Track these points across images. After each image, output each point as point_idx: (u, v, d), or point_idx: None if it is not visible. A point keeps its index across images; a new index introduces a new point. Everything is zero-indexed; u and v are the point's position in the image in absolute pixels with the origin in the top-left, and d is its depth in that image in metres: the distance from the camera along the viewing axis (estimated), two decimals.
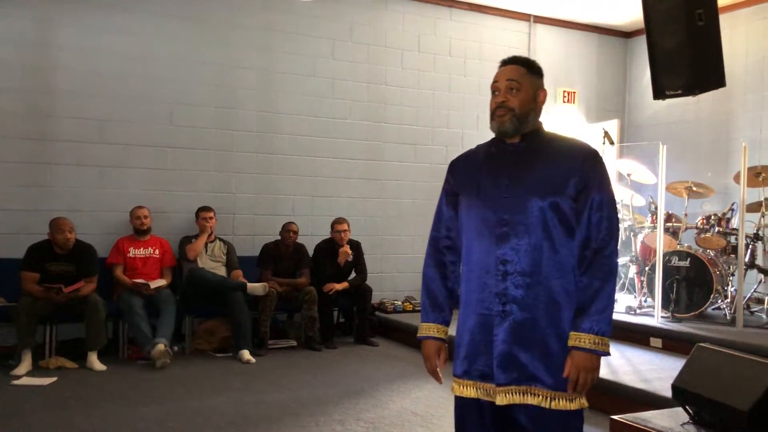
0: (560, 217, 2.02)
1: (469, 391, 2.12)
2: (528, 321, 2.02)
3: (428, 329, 2.23)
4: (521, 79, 2.10)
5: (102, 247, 5.81)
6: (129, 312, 5.42)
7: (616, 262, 2.06)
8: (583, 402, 2.05)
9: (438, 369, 2.24)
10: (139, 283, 5.61)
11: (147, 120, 6.26)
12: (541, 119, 2.18)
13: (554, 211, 2.01)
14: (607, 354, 1.99)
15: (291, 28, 6.81)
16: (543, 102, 2.15)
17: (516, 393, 2.04)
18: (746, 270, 5.62)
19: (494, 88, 2.15)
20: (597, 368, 2.00)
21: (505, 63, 2.16)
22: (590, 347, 1.96)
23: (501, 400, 2.04)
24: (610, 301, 2.00)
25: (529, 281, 2.03)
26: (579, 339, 1.97)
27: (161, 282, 5.75)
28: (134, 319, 5.38)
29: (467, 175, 2.24)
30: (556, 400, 2.01)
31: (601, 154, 2.11)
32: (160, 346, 5.22)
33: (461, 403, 2.17)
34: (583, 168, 2.03)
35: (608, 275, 1.99)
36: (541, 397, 2.03)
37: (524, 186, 2.05)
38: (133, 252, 5.82)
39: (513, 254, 2.04)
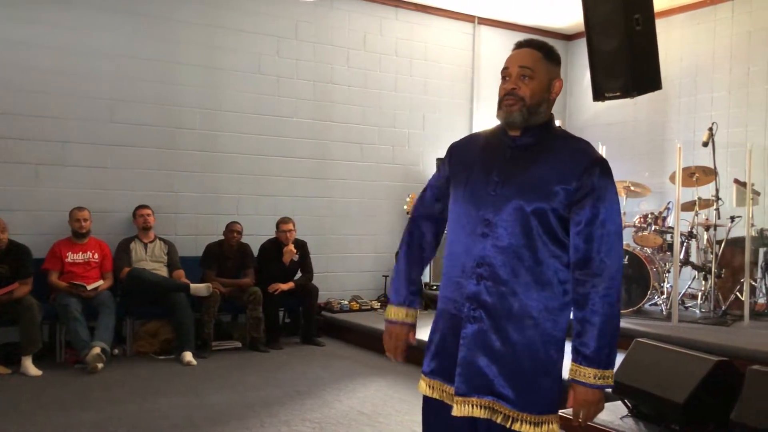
0: (546, 227, 1.84)
1: (435, 392, 1.98)
2: (497, 331, 1.86)
3: (395, 313, 2.10)
4: (535, 66, 1.90)
5: (38, 247, 5.60)
6: (65, 315, 5.24)
7: (620, 290, 1.86)
8: (554, 428, 1.87)
9: (398, 349, 2.10)
10: (76, 284, 5.43)
11: (86, 117, 6.07)
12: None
13: (539, 218, 1.83)
14: (612, 387, 1.84)
15: (235, 24, 6.71)
16: (557, 93, 1.96)
17: (476, 406, 1.88)
18: (681, 267, 5.82)
19: (505, 74, 1.94)
20: (602, 400, 1.85)
21: (520, 45, 1.96)
22: (594, 382, 1.81)
23: (457, 411, 1.89)
24: (615, 333, 1.83)
25: (503, 289, 1.85)
26: (582, 373, 1.81)
27: (99, 282, 5.59)
28: (71, 322, 5.20)
29: (463, 161, 2.02)
30: (519, 422, 1.84)
31: (609, 164, 1.91)
32: (95, 350, 5.07)
33: (428, 403, 2.02)
34: (583, 177, 1.83)
35: (612, 306, 1.81)
36: (502, 415, 1.86)
37: (512, 186, 1.87)
38: (72, 257, 5.62)
39: (490, 258, 1.86)
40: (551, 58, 1.94)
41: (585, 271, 1.82)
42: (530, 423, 1.84)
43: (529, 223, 1.83)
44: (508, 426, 1.85)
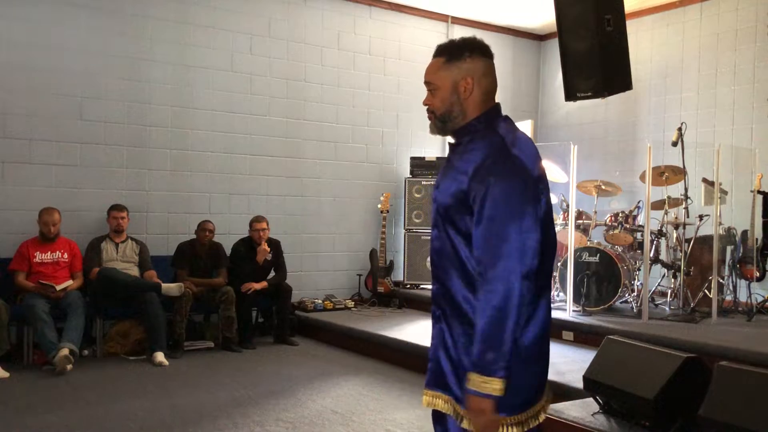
0: (454, 221, 1.85)
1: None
2: (449, 328, 1.90)
3: None
4: (435, 77, 1.92)
5: (5, 247, 5.50)
6: (32, 316, 5.13)
7: (509, 292, 1.70)
8: (513, 430, 1.81)
9: None
10: (44, 284, 5.33)
11: (54, 114, 5.96)
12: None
13: (447, 213, 1.87)
14: (489, 396, 1.71)
15: (207, 21, 6.64)
16: (469, 89, 1.89)
17: (440, 400, 1.92)
18: (651, 265, 5.90)
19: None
20: (484, 411, 1.73)
21: (433, 57, 1.97)
22: (473, 387, 1.73)
23: (424, 401, 1.97)
24: (498, 338, 1.71)
25: (438, 287, 1.93)
26: (470, 380, 1.75)
27: (68, 282, 5.49)
28: (38, 323, 5.10)
29: None
30: (467, 421, 1.83)
31: (511, 152, 1.82)
32: (63, 352, 4.98)
33: None
34: (478, 170, 1.79)
35: (494, 309, 1.71)
36: (451, 407, 1.89)
37: (438, 187, 1.96)
38: (40, 257, 5.51)
39: (433, 258, 1.96)
40: (455, 57, 1.91)
41: (477, 269, 1.78)
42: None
43: (443, 219, 1.88)
44: (459, 424, 1.86)
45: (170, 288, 5.68)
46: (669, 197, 6.00)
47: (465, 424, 1.85)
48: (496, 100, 1.96)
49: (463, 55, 1.90)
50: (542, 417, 1.90)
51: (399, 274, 7.58)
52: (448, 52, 1.92)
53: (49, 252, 5.55)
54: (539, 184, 1.83)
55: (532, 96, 8.80)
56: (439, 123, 1.95)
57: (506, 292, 1.70)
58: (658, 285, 6.36)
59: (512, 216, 1.73)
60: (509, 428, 1.82)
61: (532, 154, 1.86)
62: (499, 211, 1.73)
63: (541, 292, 1.87)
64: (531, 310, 1.84)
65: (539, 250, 1.76)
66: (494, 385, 1.71)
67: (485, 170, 1.78)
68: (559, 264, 6.29)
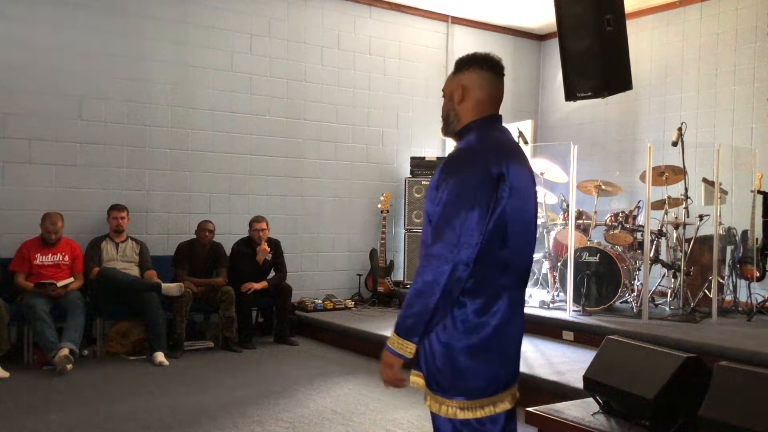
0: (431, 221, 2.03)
1: None
2: None
3: None
4: (445, 86, 2.14)
5: (5, 247, 5.49)
6: (32, 316, 5.13)
7: (435, 267, 1.89)
8: (453, 413, 1.98)
9: None
10: (44, 283, 5.32)
11: (54, 114, 5.96)
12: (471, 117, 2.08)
13: (429, 216, 2.01)
14: (400, 356, 1.94)
15: (207, 21, 6.64)
16: (460, 99, 2.06)
17: (416, 377, 2.08)
18: (651, 265, 5.90)
19: None
20: (392, 366, 1.97)
21: None
22: (390, 346, 1.95)
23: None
24: (421, 308, 1.90)
25: None
26: (390, 337, 1.98)
27: (69, 280, 5.48)
28: (37, 323, 5.10)
29: None
30: (426, 398, 2.04)
31: (476, 151, 1.98)
32: (63, 352, 4.98)
33: None
34: (446, 164, 1.99)
35: (419, 278, 1.91)
36: (422, 385, 2.06)
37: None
38: (41, 259, 5.49)
39: (421, 249, 2.08)
40: (457, 69, 2.11)
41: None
42: (432, 400, 2.02)
43: (428, 219, 2.01)
44: (425, 401, 2.05)
45: (170, 288, 5.68)
46: (669, 197, 6.00)
47: (425, 401, 2.04)
48: (500, 111, 2.11)
49: (462, 68, 2.10)
50: (487, 410, 1.99)
51: (399, 274, 7.58)
52: (456, 65, 2.13)
53: (50, 255, 5.54)
54: (502, 184, 1.93)
55: (532, 96, 8.80)
56: (444, 125, 2.16)
57: (437, 271, 1.89)
58: (658, 285, 6.36)
59: (459, 209, 1.90)
60: (449, 408, 1.99)
61: (504, 155, 1.97)
62: (451, 199, 1.91)
63: (500, 291, 1.98)
64: (486, 305, 1.96)
65: (475, 247, 1.90)
66: (408, 348, 1.94)
67: (449, 164, 1.98)
68: (559, 264, 6.29)
